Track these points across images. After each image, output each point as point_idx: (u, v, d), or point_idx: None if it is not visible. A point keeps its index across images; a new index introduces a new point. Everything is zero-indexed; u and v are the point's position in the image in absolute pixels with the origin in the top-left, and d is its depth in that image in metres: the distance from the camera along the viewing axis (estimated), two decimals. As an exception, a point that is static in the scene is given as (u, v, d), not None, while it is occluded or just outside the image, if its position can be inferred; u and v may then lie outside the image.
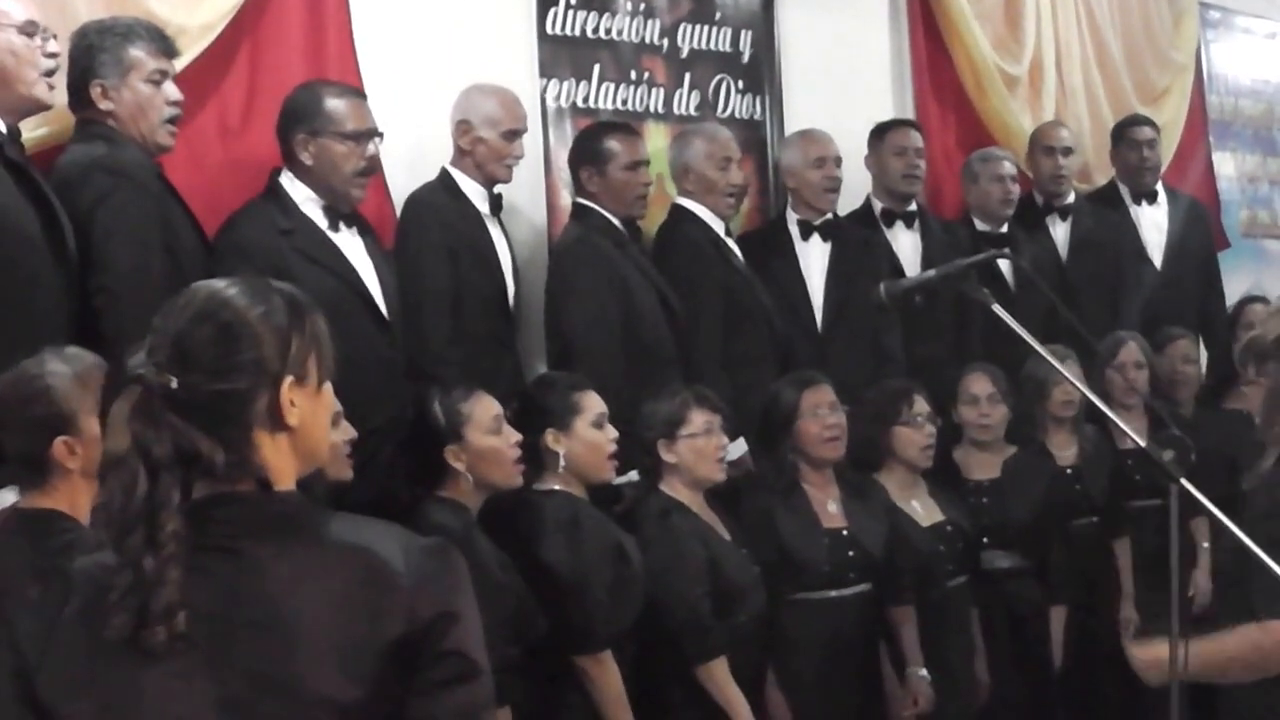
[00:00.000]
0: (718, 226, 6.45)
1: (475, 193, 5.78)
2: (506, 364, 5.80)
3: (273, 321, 2.40)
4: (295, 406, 2.41)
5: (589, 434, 5.11)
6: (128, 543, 2.25)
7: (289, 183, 5.23)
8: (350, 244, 5.27)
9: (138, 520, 2.25)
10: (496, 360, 5.71)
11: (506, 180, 5.86)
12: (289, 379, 2.41)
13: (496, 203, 5.84)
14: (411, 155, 5.83)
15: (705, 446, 5.38)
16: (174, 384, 2.30)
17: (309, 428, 2.45)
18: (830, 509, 5.85)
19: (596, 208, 6.04)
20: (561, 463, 5.06)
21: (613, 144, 6.08)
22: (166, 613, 2.23)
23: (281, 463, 2.41)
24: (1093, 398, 3.88)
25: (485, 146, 5.76)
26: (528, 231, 6.29)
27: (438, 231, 5.61)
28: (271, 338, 2.39)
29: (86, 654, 2.29)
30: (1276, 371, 4.30)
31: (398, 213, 5.75)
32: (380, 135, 5.34)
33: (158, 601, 2.23)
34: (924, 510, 6.20)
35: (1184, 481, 3.50)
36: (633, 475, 5.45)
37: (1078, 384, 3.96)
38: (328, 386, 2.51)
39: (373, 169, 5.35)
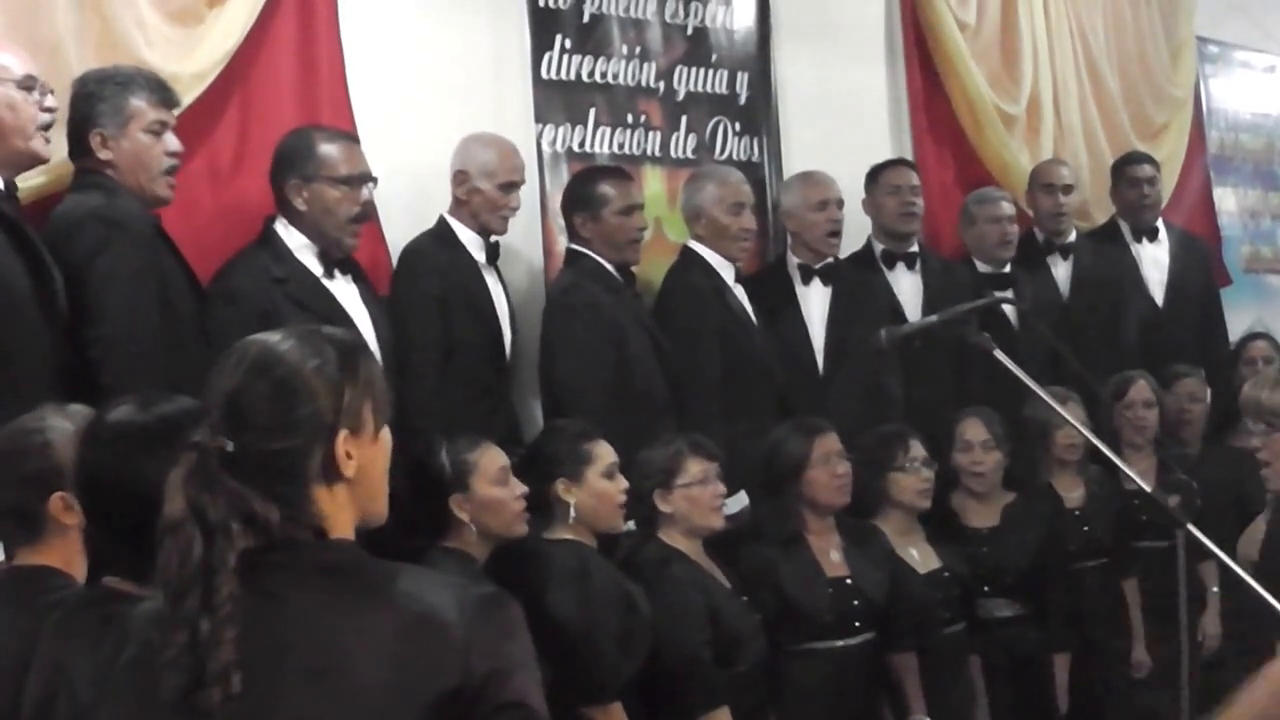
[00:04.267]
0: (726, 271, 6.43)
1: (472, 241, 5.76)
2: (501, 413, 5.77)
3: (326, 374, 2.40)
4: (351, 459, 2.41)
5: (600, 484, 5.09)
6: (184, 604, 2.25)
7: (283, 229, 5.22)
8: (345, 291, 5.26)
9: (194, 583, 2.25)
10: (491, 410, 5.68)
11: (502, 232, 5.84)
12: (344, 432, 2.40)
13: (493, 252, 5.82)
14: (406, 201, 5.81)
15: (702, 495, 5.35)
16: (229, 447, 2.31)
17: (367, 476, 2.46)
18: (833, 558, 5.82)
19: (590, 253, 6.01)
20: (572, 513, 5.04)
21: (606, 189, 6.05)
22: (222, 675, 2.23)
23: (338, 513, 2.41)
24: (1095, 441, 3.85)
25: (482, 197, 5.74)
26: (524, 277, 6.28)
27: (431, 282, 5.59)
28: (326, 391, 2.39)
29: (138, 706, 2.30)
30: None
31: (393, 259, 5.73)
32: (374, 180, 5.32)
33: (214, 664, 2.23)
34: (921, 557, 6.16)
35: (1190, 527, 3.47)
36: (629, 525, 5.39)
37: (1081, 428, 3.93)
38: (385, 432, 2.51)
39: (367, 214, 5.34)
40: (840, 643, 5.68)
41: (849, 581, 5.76)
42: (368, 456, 2.44)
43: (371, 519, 2.50)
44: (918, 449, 6.16)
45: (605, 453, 5.13)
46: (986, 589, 6.37)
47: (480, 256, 5.77)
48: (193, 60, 5.27)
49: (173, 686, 2.24)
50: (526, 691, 2.34)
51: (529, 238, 6.31)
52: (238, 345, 2.45)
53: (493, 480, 4.80)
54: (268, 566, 2.31)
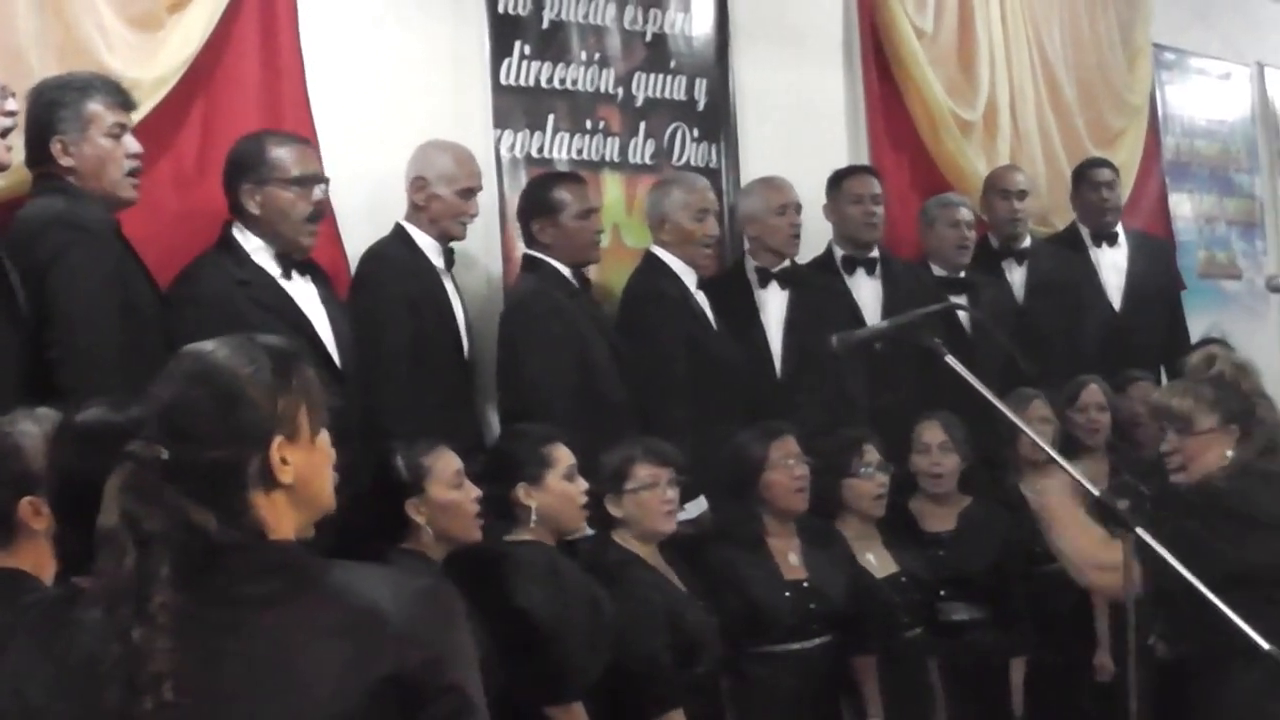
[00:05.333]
0: (689, 277, 6.46)
1: (430, 247, 5.78)
2: (465, 417, 5.80)
3: (260, 381, 2.42)
4: (288, 464, 2.43)
5: (560, 486, 5.10)
6: (118, 614, 2.27)
7: (240, 234, 5.23)
8: (303, 292, 5.28)
9: (128, 593, 2.27)
10: (455, 414, 5.70)
11: (461, 237, 5.87)
12: (278, 439, 2.42)
13: (449, 257, 5.84)
14: (366, 206, 5.83)
15: (650, 500, 5.36)
16: (165, 455, 2.33)
17: (306, 481, 2.47)
18: (792, 561, 5.85)
19: (547, 259, 6.03)
20: (534, 516, 5.05)
21: (563, 194, 6.07)
22: (153, 684, 2.24)
23: (279, 519, 2.43)
24: (1043, 445, 3.88)
25: (440, 203, 5.77)
26: (482, 283, 6.30)
27: (396, 286, 5.61)
28: (260, 399, 2.41)
29: (83, 713, 2.31)
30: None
31: (351, 263, 5.75)
32: (326, 180, 5.35)
33: (145, 673, 2.24)
34: (878, 561, 6.17)
35: (1139, 530, 3.51)
36: (585, 530, 5.42)
37: (1029, 431, 3.97)
38: (324, 435, 2.53)
39: (321, 213, 5.35)
40: (799, 645, 5.70)
41: (806, 584, 5.78)
42: (305, 462, 2.47)
43: (316, 516, 2.53)
44: (873, 454, 6.19)
45: (564, 455, 5.14)
46: (944, 593, 6.39)
47: (439, 262, 5.80)
48: (154, 65, 5.28)
49: (110, 697, 2.26)
50: (463, 679, 2.37)
51: (487, 243, 6.33)
52: (175, 356, 2.48)
53: (448, 484, 4.81)
54: (207, 570, 2.33)
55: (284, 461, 2.42)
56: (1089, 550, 4.48)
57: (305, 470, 2.46)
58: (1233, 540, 4.30)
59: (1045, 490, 4.67)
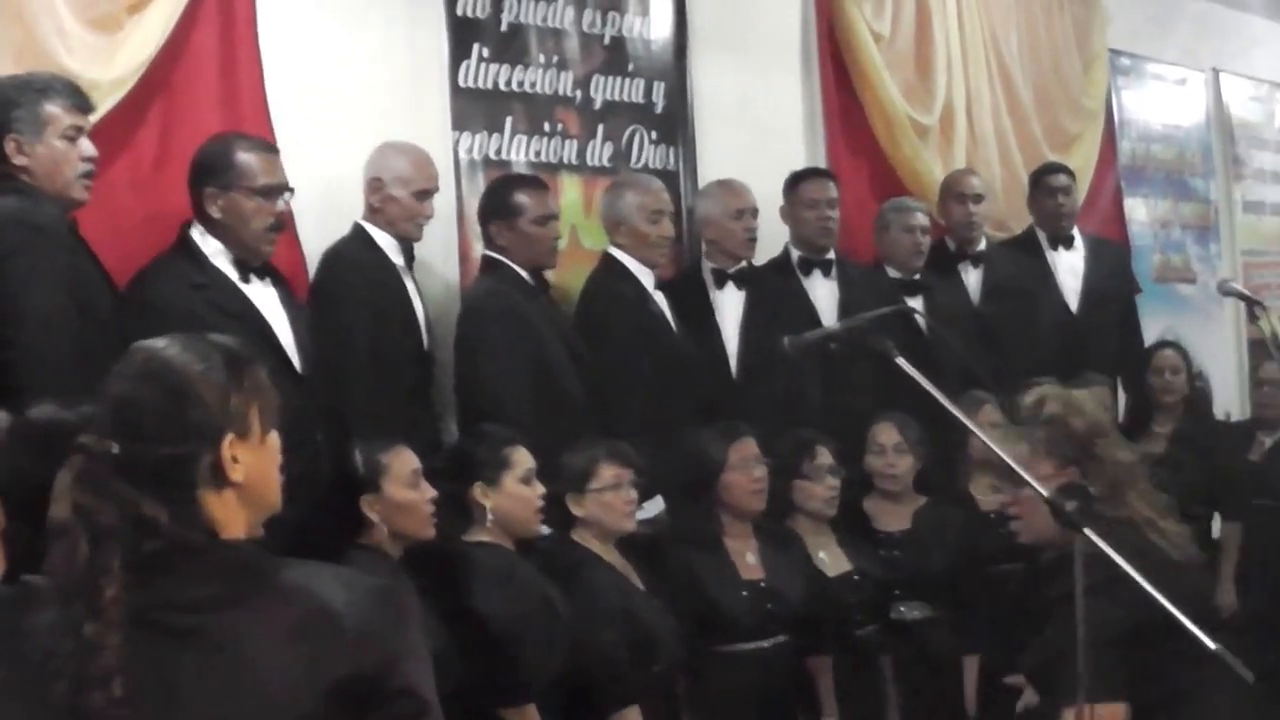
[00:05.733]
0: (647, 278, 6.47)
1: (390, 246, 5.79)
2: (425, 417, 5.82)
3: (212, 380, 2.43)
4: (239, 462, 2.44)
5: (517, 489, 5.12)
6: (70, 609, 2.28)
7: (200, 236, 5.22)
8: (263, 295, 5.27)
9: (79, 587, 2.28)
10: (415, 413, 5.72)
11: (417, 238, 5.87)
12: (230, 436, 2.44)
13: (410, 256, 5.85)
14: (323, 207, 5.82)
15: (613, 500, 5.40)
16: (115, 450, 2.34)
17: (256, 480, 2.49)
18: (749, 560, 5.87)
19: (506, 261, 6.04)
20: (489, 516, 5.07)
21: (522, 198, 6.08)
22: (103, 679, 2.25)
23: (229, 516, 2.44)
24: (993, 446, 3.90)
25: (396, 205, 5.79)
26: (440, 284, 6.30)
27: (357, 286, 5.62)
28: (212, 397, 2.43)
29: (36, 708, 2.31)
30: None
31: (308, 264, 5.75)
32: (291, 191, 5.33)
33: (95, 668, 2.25)
34: (831, 561, 6.20)
35: (1088, 531, 3.54)
36: (543, 530, 5.43)
37: (979, 432, 3.98)
38: (273, 435, 2.54)
39: (282, 225, 5.35)
40: (756, 645, 5.73)
41: (764, 585, 5.81)
42: (255, 461, 2.48)
43: (265, 515, 2.54)
44: (825, 456, 6.22)
45: (523, 459, 5.16)
46: (899, 592, 6.42)
47: (399, 260, 5.81)
48: (112, 67, 5.27)
49: (59, 692, 2.26)
50: (417, 680, 2.39)
51: (445, 245, 6.34)
52: (127, 352, 2.49)
53: (404, 483, 4.83)
54: (160, 570, 2.34)
55: (235, 460, 2.44)
56: None
57: (255, 469, 2.48)
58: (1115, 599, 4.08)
59: None
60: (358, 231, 5.80)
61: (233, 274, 5.21)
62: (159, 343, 2.49)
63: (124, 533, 2.31)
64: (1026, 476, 3.84)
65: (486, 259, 6.14)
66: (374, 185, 5.80)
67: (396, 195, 5.79)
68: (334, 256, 5.73)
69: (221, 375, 2.45)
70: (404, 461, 4.87)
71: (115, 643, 2.26)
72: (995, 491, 4.54)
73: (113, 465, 2.34)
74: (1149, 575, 3.53)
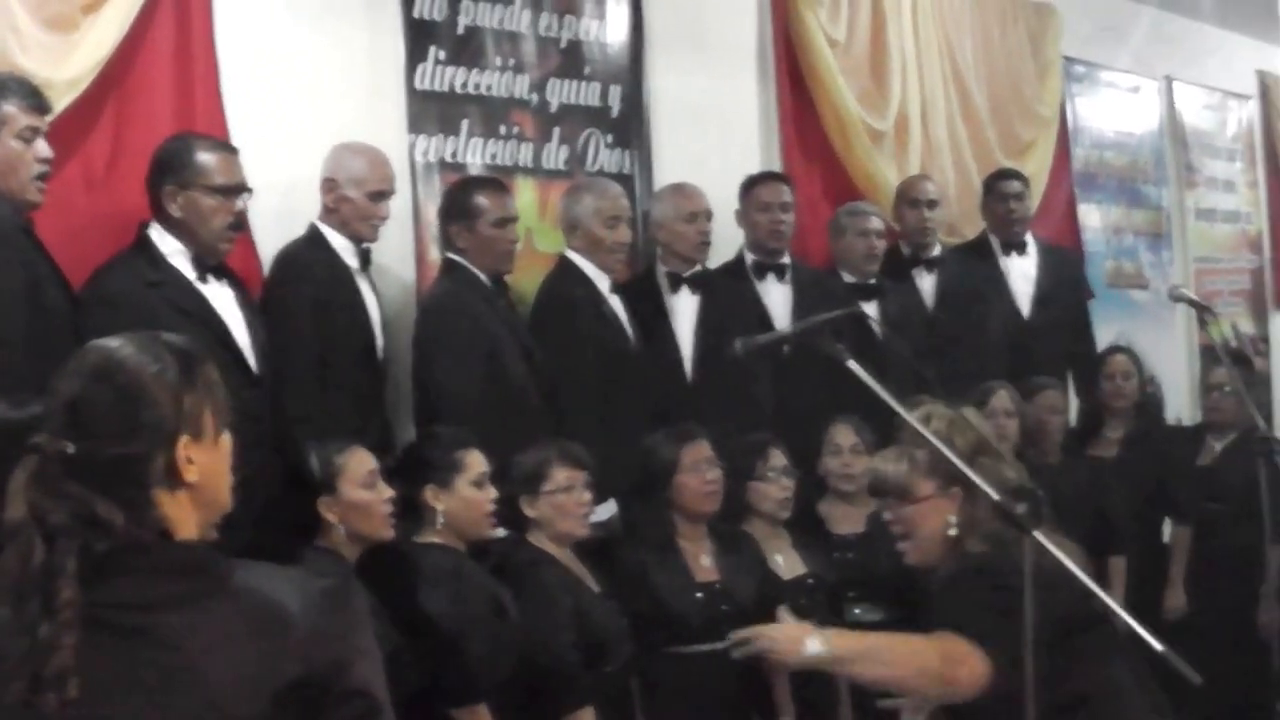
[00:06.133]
0: (602, 282, 6.47)
1: (344, 248, 5.78)
2: (376, 419, 5.80)
3: (166, 380, 2.43)
4: (193, 463, 2.44)
5: (468, 492, 5.13)
6: (24, 609, 2.27)
7: (157, 235, 5.21)
8: (219, 295, 5.26)
9: (34, 588, 2.27)
10: (366, 415, 5.70)
11: (372, 240, 5.87)
12: (184, 437, 2.43)
13: (365, 258, 5.85)
14: (278, 208, 5.81)
15: (566, 503, 5.41)
16: (70, 449, 2.33)
17: (209, 480, 2.48)
18: (703, 562, 5.88)
19: (465, 263, 6.04)
20: (440, 519, 5.08)
21: (481, 200, 6.08)
22: (58, 680, 2.25)
23: (182, 517, 2.44)
24: (941, 447, 3.91)
25: (351, 206, 5.78)
26: (396, 286, 6.29)
27: (308, 288, 5.61)
28: (166, 397, 2.42)
29: None
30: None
31: (264, 265, 5.75)
32: (249, 190, 5.34)
33: (50, 669, 2.24)
34: (786, 563, 6.20)
35: (1036, 534, 3.56)
36: (500, 531, 5.44)
37: (929, 435, 3.99)
38: (226, 436, 2.53)
39: (241, 224, 5.36)
40: (708, 647, 5.74)
41: (718, 586, 5.82)
42: (209, 461, 2.48)
43: (216, 516, 2.53)
44: (778, 458, 6.24)
45: (476, 462, 5.17)
46: (852, 594, 6.44)
47: (353, 263, 5.80)
48: (67, 66, 5.25)
49: (13, 691, 2.26)
50: (368, 681, 2.39)
51: (401, 247, 6.33)
52: (79, 351, 2.48)
53: (360, 483, 4.85)
54: (113, 570, 2.33)
55: (189, 460, 2.44)
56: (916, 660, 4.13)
57: (208, 470, 2.48)
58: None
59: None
60: (312, 232, 5.79)
61: (190, 273, 5.20)
62: (112, 342, 2.48)
63: (78, 533, 2.31)
64: (974, 476, 3.86)
65: (446, 261, 6.14)
66: (329, 186, 5.80)
67: (351, 196, 5.78)
68: (287, 258, 5.72)
69: (175, 375, 2.44)
70: (360, 462, 4.88)
71: (70, 643, 2.25)
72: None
73: (67, 465, 2.33)
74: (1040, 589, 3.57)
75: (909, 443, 4.30)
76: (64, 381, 2.43)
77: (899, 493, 4.30)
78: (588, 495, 5.48)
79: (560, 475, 5.41)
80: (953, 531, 4.20)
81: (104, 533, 2.34)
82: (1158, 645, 3.50)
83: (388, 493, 4.91)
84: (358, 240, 5.82)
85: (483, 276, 6.05)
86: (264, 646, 2.32)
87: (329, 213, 5.80)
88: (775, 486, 6.22)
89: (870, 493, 4.95)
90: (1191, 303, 6.93)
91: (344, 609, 2.44)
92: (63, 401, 2.40)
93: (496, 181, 6.36)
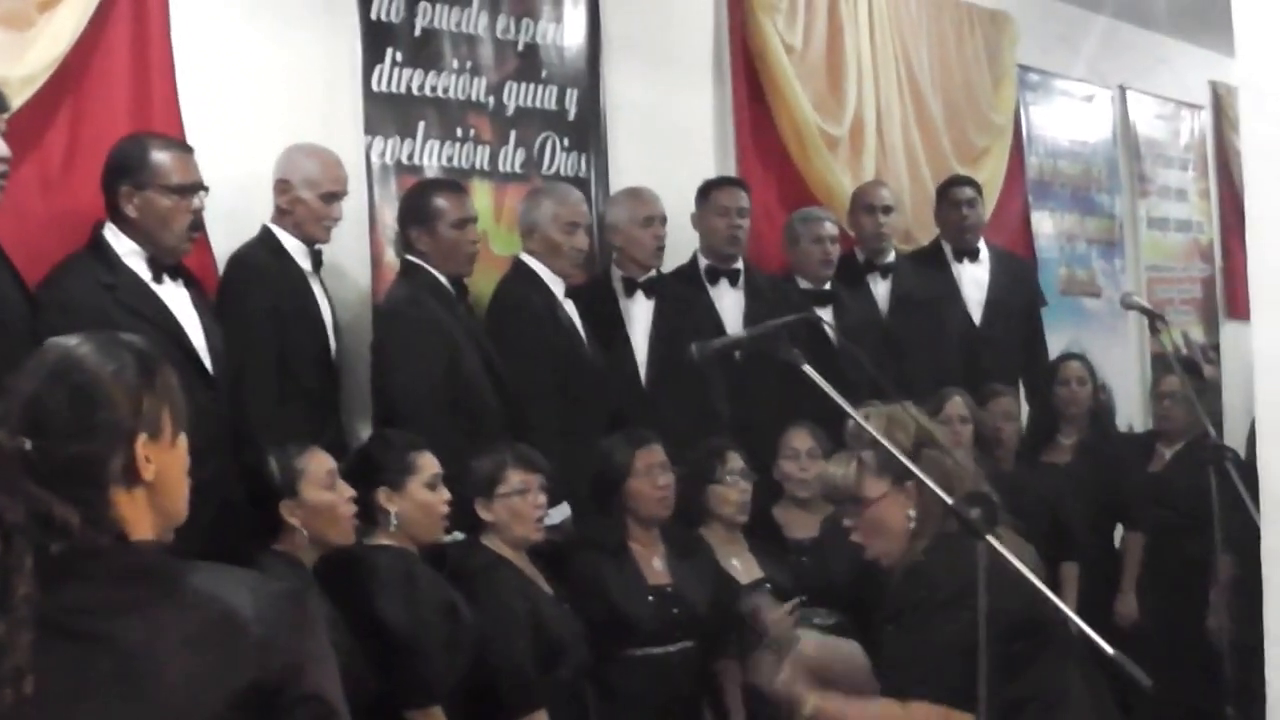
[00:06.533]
0: (557, 287, 6.47)
1: (297, 250, 5.77)
2: (331, 422, 5.80)
3: (124, 380, 2.42)
4: (150, 462, 2.43)
5: (422, 495, 5.12)
6: None
7: (112, 236, 5.18)
8: (175, 296, 5.24)
9: None
10: (321, 418, 5.70)
11: (325, 241, 5.85)
12: (143, 436, 2.43)
13: (317, 259, 5.83)
14: (234, 209, 5.77)
15: (521, 506, 5.40)
16: (27, 447, 2.33)
17: (165, 481, 2.47)
18: (656, 566, 5.89)
19: (426, 266, 6.03)
20: (393, 521, 5.08)
21: (441, 202, 6.07)
22: (14, 677, 2.23)
23: (139, 517, 2.43)
24: (900, 457, 3.93)
25: (304, 207, 5.76)
26: (350, 288, 6.29)
27: (261, 291, 5.59)
28: (124, 397, 2.42)
29: None
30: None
31: (219, 265, 5.73)
32: (206, 189, 5.31)
33: (6, 665, 2.23)
34: (743, 567, 6.22)
35: (990, 538, 3.58)
36: (457, 535, 5.45)
37: (885, 442, 4.01)
38: (182, 438, 2.53)
39: (198, 224, 5.33)
40: (660, 650, 5.75)
41: (670, 590, 5.83)
42: (166, 461, 2.47)
43: (172, 521, 2.52)
44: (736, 461, 6.25)
45: (429, 464, 5.17)
46: (806, 599, 6.45)
47: (306, 265, 5.78)
48: (22, 64, 5.21)
49: None
50: (322, 685, 2.38)
51: (357, 249, 6.33)
52: (37, 350, 2.48)
53: (321, 484, 4.84)
54: (68, 574, 2.32)
55: (147, 460, 2.43)
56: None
57: (166, 470, 2.47)
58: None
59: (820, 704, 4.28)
60: (264, 235, 5.77)
61: (145, 274, 5.17)
62: (71, 340, 2.48)
63: (35, 532, 2.30)
64: (929, 482, 3.88)
65: (405, 264, 6.13)
66: (282, 187, 5.78)
67: (304, 197, 5.76)
68: (239, 260, 5.70)
69: (134, 375, 2.44)
70: (319, 464, 4.89)
71: (26, 640, 2.24)
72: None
73: (24, 463, 2.33)
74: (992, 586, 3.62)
75: (853, 446, 4.37)
76: (22, 380, 2.42)
77: (853, 496, 4.36)
78: (542, 498, 5.48)
79: (515, 478, 5.41)
80: (913, 525, 4.28)
81: (60, 533, 2.33)
82: (1109, 649, 3.53)
83: (349, 492, 4.92)
84: (310, 242, 5.80)
85: (443, 279, 6.04)
86: (217, 651, 2.31)
87: (281, 214, 5.78)
88: (734, 490, 6.23)
89: (825, 499, 4.98)
90: (1143, 310, 6.95)
91: (299, 612, 2.42)
92: (21, 400, 2.39)
93: (455, 184, 6.36)
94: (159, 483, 2.46)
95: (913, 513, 4.25)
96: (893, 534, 4.32)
